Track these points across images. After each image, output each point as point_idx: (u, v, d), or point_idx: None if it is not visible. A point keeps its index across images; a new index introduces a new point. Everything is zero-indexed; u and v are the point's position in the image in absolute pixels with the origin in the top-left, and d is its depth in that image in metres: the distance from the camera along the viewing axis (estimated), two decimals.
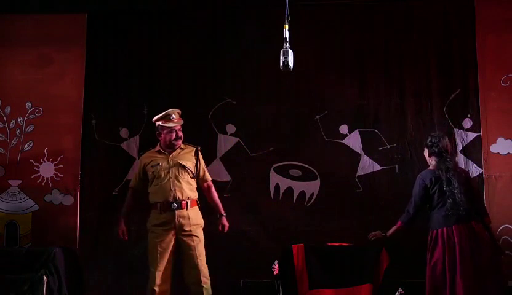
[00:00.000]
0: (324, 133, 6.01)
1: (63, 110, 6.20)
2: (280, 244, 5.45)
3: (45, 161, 6.15)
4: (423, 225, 5.80)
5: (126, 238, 5.19)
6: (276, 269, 4.88)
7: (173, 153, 5.07)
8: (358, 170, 5.97)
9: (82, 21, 6.26)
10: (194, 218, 5.00)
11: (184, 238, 4.94)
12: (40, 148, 6.16)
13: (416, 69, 6.02)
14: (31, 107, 6.22)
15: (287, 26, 5.09)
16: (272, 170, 5.98)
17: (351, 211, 5.89)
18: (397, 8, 6.12)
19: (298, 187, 5.97)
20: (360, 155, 5.98)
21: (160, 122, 5.10)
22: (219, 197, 5.32)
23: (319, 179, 5.96)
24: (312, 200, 5.89)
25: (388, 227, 5.77)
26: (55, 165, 6.14)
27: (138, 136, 6.15)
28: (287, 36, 5.07)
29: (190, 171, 5.05)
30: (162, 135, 5.10)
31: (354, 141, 6.00)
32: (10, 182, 6.14)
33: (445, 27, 6.03)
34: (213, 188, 5.27)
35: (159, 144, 5.19)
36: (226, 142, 6.01)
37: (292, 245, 4.69)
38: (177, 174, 4.99)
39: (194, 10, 6.27)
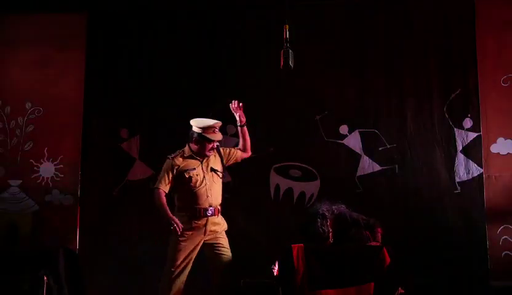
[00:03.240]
0: (323, 133, 6.01)
1: (63, 110, 6.20)
2: (280, 244, 5.45)
3: (45, 161, 6.15)
4: (423, 225, 5.84)
5: (181, 226, 4.85)
6: (275, 269, 4.87)
7: (204, 159, 4.98)
8: (358, 170, 5.97)
9: (82, 21, 6.27)
10: (222, 223, 5.01)
11: (214, 242, 4.94)
12: (40, 148, 6.16)
13: (416, 69, 6.02)
14: (31, 107, 6.22)
15: (287, 26, 5.10)
16: (272, 170, 5.99)
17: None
18: (397, 8, 6.12)
19: (298, 187, 5.98)
20: (360, 156, 5.98)
21: (200, 130, 4.93)
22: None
23: (319, 180, 5.97)
24: (312, 200, 5.89)
25: (388, 227, 5.79)
26: (55, 165, 6.15)
27: (138, 136, 6.15)
28: (287, 36, 5.08)
29: (220, 173, 5.03)
30: (200, 144, 4.94)
31: (354, 141, 6.00)
32: (10, 182, 6.14)
33: (445, 27, 6.03)
34: (243, 137, 5.18)
35: (188, 148, 4.99)
36: (226, 142, 6.01)
37: (292, 245, 4.67)
38: (211, 180, 4.94)
39: (194, 10, 6.27)
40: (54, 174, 6.14)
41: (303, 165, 6.00)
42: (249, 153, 5.20)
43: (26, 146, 6.17)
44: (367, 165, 5.96)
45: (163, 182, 4.92)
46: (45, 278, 5.09)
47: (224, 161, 5.08)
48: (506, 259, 5.69)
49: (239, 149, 5.18)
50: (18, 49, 6.31)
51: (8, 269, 5.21)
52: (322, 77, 6.08)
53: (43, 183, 6.12)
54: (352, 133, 6.01)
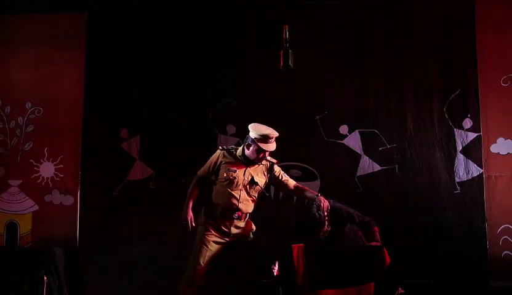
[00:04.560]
0: (324, 133, 6.01)
1: (63, 110, 6.20)
2: (280, 244, 5.45)
3: (45, 161, 6.15)
4: (423, 225, 5.84)
5: (193, 225, 4.85)
6: (275, 269, 4.87)
7: (251, 167, 4.93)
8: (358, 170, 5.97)
9: (82, 21, 6.27)
10: (245, 227, 5.00)
11: (241, 240, 4.97)
12: (40, 148, 6.16)
13: (416, 69, 6.02)
14: (31, 107, 6.22)
15: (287, 26, 5.10)
16: None
17: None
18: (397, 8, 6.12)
19: None
20: (360, 156, 5.98)
21: (256, 137, 4.84)
22: None
23: (318, 180, 5.97)
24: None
25: (388, 227, 5.79)
26: (55, 165, 6.15)
27: (138, 136, 6.15)
28: (287, 36, 5.08)
29: (260, 187, 4.98)
30: (251, 149, 4.86)
31: (354, 141, 6.00)
32: (10, 182, 6.14)
33: (445, 27, 6.03)
34: (300, 187, 5.07)
35: (242, 150, 4.94)
36: (226, 142, 6.00)
37: (292, 245, 4.67)
38: (248, 189, 4.90)
39: (194, 10, 6.27)
40: (54, 174, 6.14)
41: (303, 165, 6.00)
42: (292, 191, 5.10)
43: (26, 146, 6.17)
44: (367, 165, 5.97)
45: (203, 169, 4.99)
46: (45, 278, 5.09)
47: (270, 180, 5.00)
48: (506, 259, 5.69)
49: (292, 186, 5.04)
50: (18, 49, 6.31)
51: (8, 269, 5.21)
52: (322, 77, 6.08)
53: (43, 183, 6.12)
54: (352, 133, 6.02)
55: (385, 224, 5.78)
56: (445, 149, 5.90)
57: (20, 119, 6.21)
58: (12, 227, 6.06)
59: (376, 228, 4.85)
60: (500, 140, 5.86)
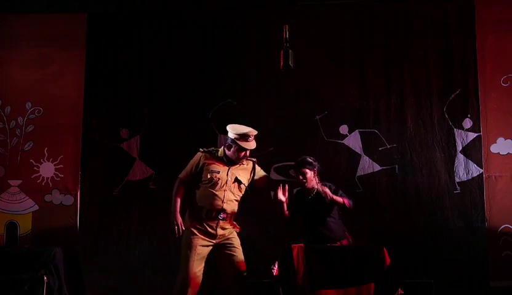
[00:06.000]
0: (324, 133, 6.01)
1: (63, 110, 6.20)
2: (280, 244, 5.45)
3: (45, 161, 6.15)
4: (423, 225, 5.84)
5: (183, 229, 4.84)
6: (275, 269, 4.87)
7: (233, 166, 4.96)
8: (358, 170, 5.97)
9: (82, 21, 6.27)
10: (230, 228, 4.98)
11: (226, 242, 4.92)
12: (40, 148, 6.16)
13: (416, 69, 6.02)
14: (31, 107, 6.22)
15: (287, 26, 5.10)
16: (272, 170, 5.98)
17: (351, 211, 5.87)
18: (397, 8, 6.12)
19: None
20: (360, 156, 5.98)
21: (235, 137, 4.89)
22: None
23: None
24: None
25: (388, 227, 5.79)
26: (55, 165, 6.15)
27: (138, 136, 6.15)
28: (287, 36, 5.08)
29: (245, 185, 5.01)
30: (232, 149, 4.90)
31: (354, 141, 6.00)
32: (10, 182, 6.14)
33: (445, 27, 6.03)
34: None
35: (223, 150, 4.98)
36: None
37: (292, 245, 4.67)
38: (232, 189, 4.92)
39: (194, 10, 6.27)
40: (54, 174, 6.14)
41: None
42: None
43: (26, 146, 6.17)
44: (367, 165, 5.96)
45: (185, 171, 4.97)
46: (45, 277, 5.08)
47: (254, 178, 5.05)
48: (506, 259, 5.69)
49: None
50: (18, 49, 6.31)
51: (8, 269, 5.20)
52: (322, 77, 6.08)
53: (43, 183, 6.12)
54: (352, 133, 6.01)
55: (385, 224, 5.81)
56: (445, 149, 5.90)
57: (19, 119, 6.21)
58: (11, 227, 6.06)
59: (349, 236, 5.09)
60: (500, 140, 5.86)
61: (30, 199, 6.11)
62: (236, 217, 5.00)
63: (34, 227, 6.05)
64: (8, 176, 6.14)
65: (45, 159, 6.15)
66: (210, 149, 5.03)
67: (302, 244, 4.71)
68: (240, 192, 4.99)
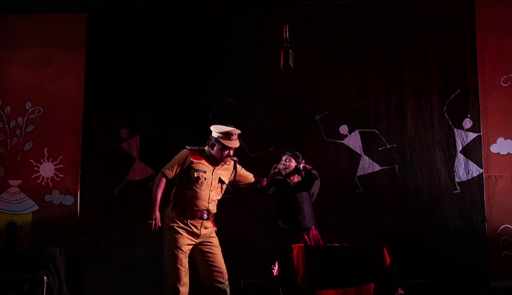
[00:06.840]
0: (324, 133, 6.02)
1: (63, 110, 6.21)
2: (280, 244, 5.45)
3: (45, 161, 6.15)
4: (423, 225, 5.84)
5: (159, 225, 4.77)
6: (275, 269, 4.86)
7: (217, 166, 4.95)
8: (358, 170, 5.97)
9: (82, 21, 6.27)
10: (211, 227, 4.96)
11: (206, 241, 4.91)
12: (40, 148, 6.16)
13: (416, 69, 6.02)
14: (31, 107, 6.23)
15: (287, 26, 5.10)
16: (272, 170, 5.97)
17: (351, 211, 5.89)
18: (397, 8, 6.12)
19: None
20: (360, 156, 5.99)
21: (218, 136, 4.89)
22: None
23: (318, 180, 5.95)
24: (313, 200, 5.87)
25: (388, 227, 5.79)
26: (55, 165, 6.15)
27: (138, 136, 6.15)
28: (287, 36, 5.08)
29: (227, 185, 5.01)
30: (215, 149, 4.89)
31: (354, 141, 6.00)
32: (10, 182, 6.14)
33: (445, 27, 6.04)
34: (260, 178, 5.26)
35: (209, 149, 4.95)
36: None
37: (292, 245, 4.67)
38: (216, 189, 4.91)
39: (194, 10, 6.27)
40: (54, 174, 6.14)
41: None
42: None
43: (26, 146, 6.17)
44: (367, 165, 5.97)
45: (170, 168, 4.87)
46: (45, 277, 5.08)
47: (235, 177, 5.04)
48: (506, 259, 5.69)
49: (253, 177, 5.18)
50: (18, 49, 6.31)
51: (8, 269, 5.20)
52: (322, 77, 6.08)
53: (43, 183, 6.12)
54: (352, 133, 6.02)
55: (385, 224, 5.81)
56: (445, 149, 5.90)
57: (19, 119, 6.21)
58: (11, 227, 6.06)
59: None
60: (500, 140, 5.86)
61: (30, 199, 6.11)
62: (214, 217, 4.98)
63: (34, 227, 6.05)
64: (8, 176, 6.15)
65: (45, 159, 6.15)
66: (196, 148, 4.99)
67: (302, 244, 4.71)
68: (222, 192, 4.99)
